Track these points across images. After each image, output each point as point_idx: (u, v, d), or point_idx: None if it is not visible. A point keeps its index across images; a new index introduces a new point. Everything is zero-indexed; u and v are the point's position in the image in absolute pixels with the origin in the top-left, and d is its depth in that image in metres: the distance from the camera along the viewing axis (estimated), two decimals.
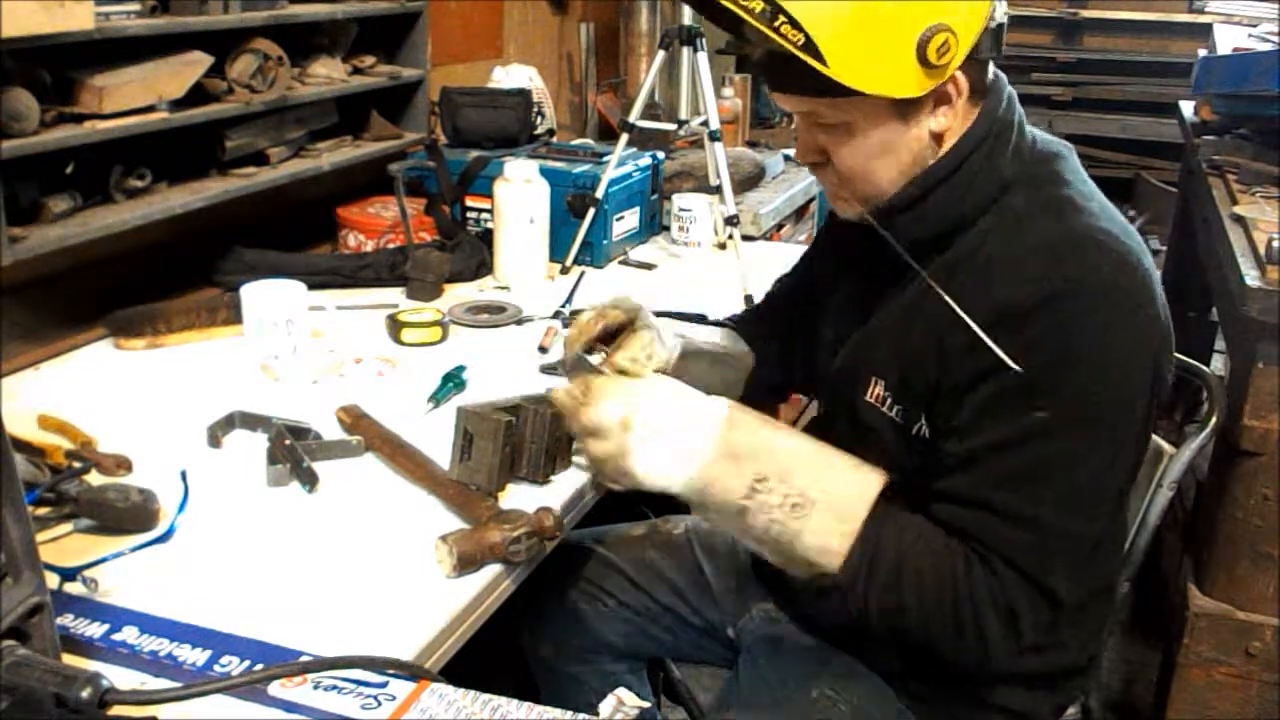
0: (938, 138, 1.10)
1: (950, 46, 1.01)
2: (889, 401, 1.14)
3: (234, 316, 1.61)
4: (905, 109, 1.07)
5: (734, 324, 1.51)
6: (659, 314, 1.35)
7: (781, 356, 1.45)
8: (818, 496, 1.05)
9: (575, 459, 1.27)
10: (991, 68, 1.12)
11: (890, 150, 1.09)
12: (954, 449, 1.06)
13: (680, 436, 1.08)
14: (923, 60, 1.01)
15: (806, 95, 1.08)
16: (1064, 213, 1.07)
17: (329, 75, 1.88)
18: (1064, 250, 1.04)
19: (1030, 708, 1.22)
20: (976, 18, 1.04)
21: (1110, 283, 1.02)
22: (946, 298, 1.06)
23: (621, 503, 1.20)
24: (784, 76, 1.08)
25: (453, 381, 1.51)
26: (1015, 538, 1.02)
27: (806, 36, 0.98)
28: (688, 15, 2.22)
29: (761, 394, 1.47)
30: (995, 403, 1.03)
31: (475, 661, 1.08)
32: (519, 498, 1.21)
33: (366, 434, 1.33)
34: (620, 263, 2.17)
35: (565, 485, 1.26)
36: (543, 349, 1.67)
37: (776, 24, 0.98)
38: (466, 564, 1.08)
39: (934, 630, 1.05)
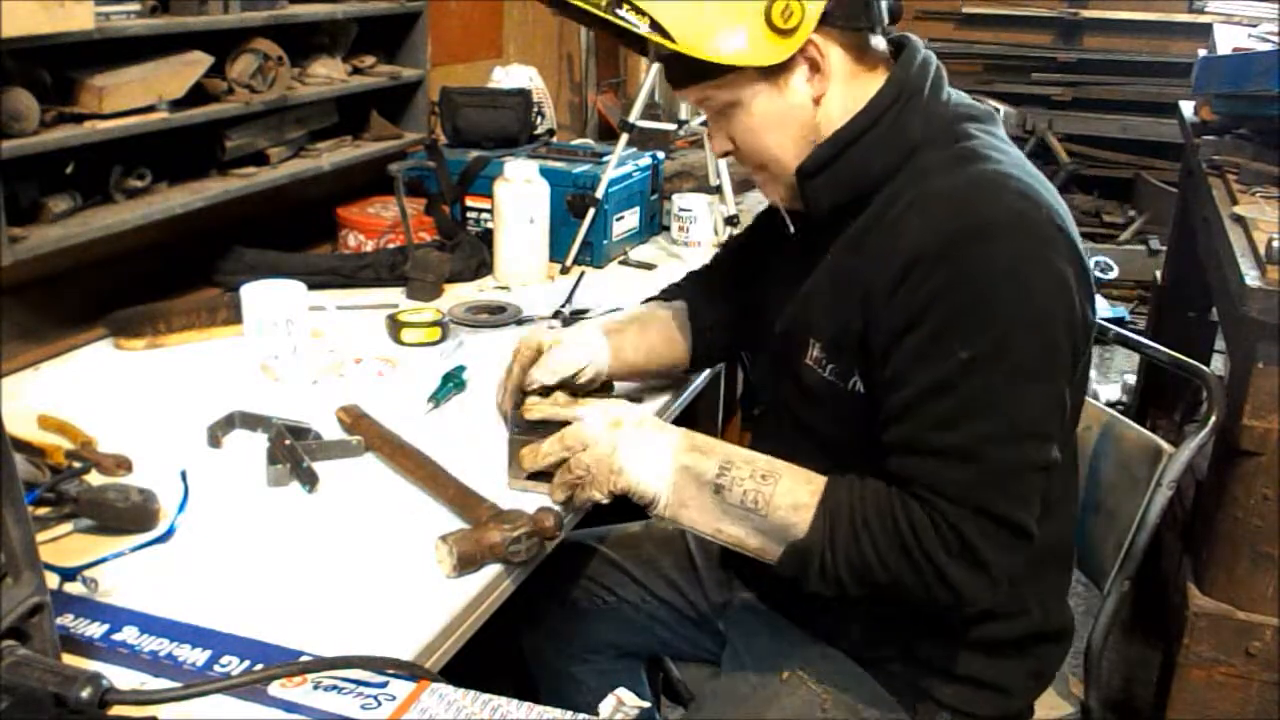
0: (819, 102, 1.14)
1: (795, 11, 1.06)
2: (824, 361, 1.17)
3: (234, 316, 1.61)
4: (776, 78, 1.12)
5: (675, 292, 1.51)
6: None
7: (729, 318, 1.47)
8: (781, 470, 1.11)
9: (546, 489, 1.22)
10: (881, 42, 1.16)
11: (777, 121, 1.14)
12: (888, 402, 1.08)
13: (655, 434, 1.14)
14: (772, 27, 1.07)
15: (689, 84, 1.16)
16: (968, 161, 1.10)
17: (329, 75, 1.88)
18: (967, 194, 1.07)
19: (1004, 679, 1.23)
20: None
21: (1015, 218, 1.05)
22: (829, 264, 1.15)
23: (619, 503, 1.20)
24: (670, 70, 1.16)
25: (453, 381, 1.51)
26: (958, 475, 1.03)
27: (651, 19, 1.05)
28: None
29: (714, 355, 1.52)
30: (920, 350, 1.05)
31: (475, 661, 1.08)
32: (519, 498, 1.21)
33: (366, 434, 1.33)
34: (620, 263, 2.17)
35: None
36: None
37: (621, 10, 1.06)
38: (466, 564, 1.08)
39: (900, 580, 1.05)
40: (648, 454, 1.12)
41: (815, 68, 1.12)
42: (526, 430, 1.22)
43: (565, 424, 1.18)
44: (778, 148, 1.16)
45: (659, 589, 1.49)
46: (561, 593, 1.51)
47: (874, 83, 1.15)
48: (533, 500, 1.18)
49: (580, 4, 1.06)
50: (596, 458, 1.13)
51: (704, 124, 2.13)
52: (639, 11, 1.05)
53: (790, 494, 1.09)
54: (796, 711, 1.21)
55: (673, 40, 1.06)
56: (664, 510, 1.12)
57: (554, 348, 1.27)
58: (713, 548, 1.48)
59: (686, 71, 1.13)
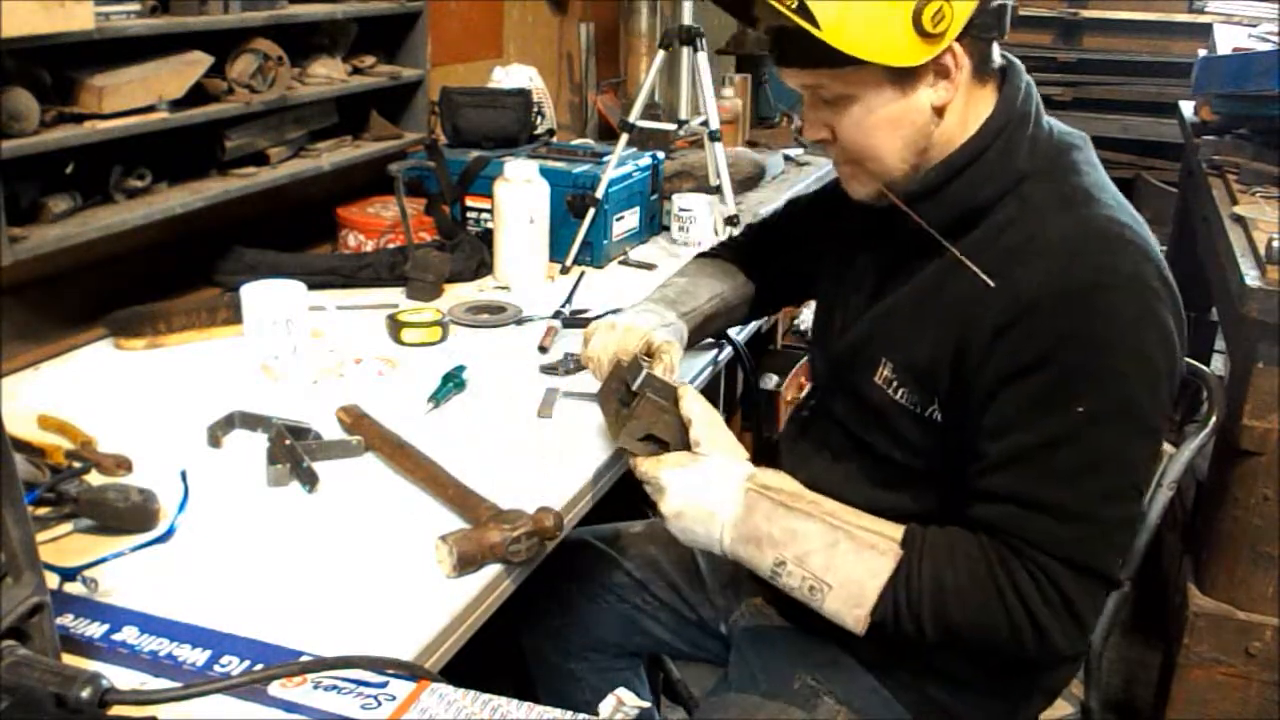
0: (939, 111, 1.11)
1: (945, 15, 1.03)
2: (895, 384, 1.14)
3: (234, 316, 1.61)
4: (904, 80, 1.08)
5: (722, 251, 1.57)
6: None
7: (772, 285, 1.52)
8: (832, 582, 1.07)
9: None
10: (998, 54, 1.14)
11: (891, 123, 1.11)
12: (992, 448, 1.05)
13: (707, 528, 1.13)
14: (919, 29, 1.03)
15: (808, 67, 1.11)
16: (1081, 204, 1.08)
17: (329, 75, 1.88)
18: (1086, 243, 1.05)
19: (1015, 694, 1.23)
20: None
21: (1133, 274, 1.04)
22: (978, 271, 1.08)
23: (620, 502, 1.21)
24: (787, 49, 1.11)
25: (453, 381, 1.51)
26: (1067, 533, 1.02)
27: (801, 1, 1.01)
28: (688, 15, 2.23)
29: (754, 312, 1.56)
30: (1034, 400, 1.03)
31: (475, 661, 1.08)
32: (519, 498, 1.21)
33: (366, 434, 1.33)
34: (620, 263, 2.16)
35: (566, 485, 1.26)
36: (543, 349, 1.67)
37: None
38: (466, 564, 1.08)
39: (993, 639, 1.05)
40: (698, 533, 1.14)
41: (945, 74, 1.09)
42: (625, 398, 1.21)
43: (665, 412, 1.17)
44: (884, 149, 1.12)
45: (660, 590, 1.49)
46: (562, 591, 1.51)
47: (985, 101, 1.13)
48: (532, 500, 1.18)
49: None
50: (661, 512, 1.15)
51: (703, 124, 2.14)
52: None
53: (835, 616, 1.08)
54: None
55: (818, 26, 1.01)
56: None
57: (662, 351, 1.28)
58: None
59: (806, 54, 1.07)
